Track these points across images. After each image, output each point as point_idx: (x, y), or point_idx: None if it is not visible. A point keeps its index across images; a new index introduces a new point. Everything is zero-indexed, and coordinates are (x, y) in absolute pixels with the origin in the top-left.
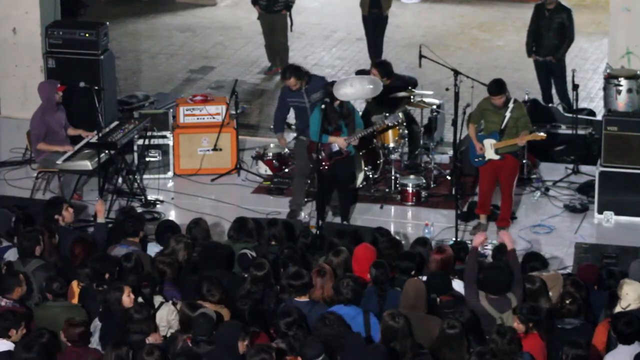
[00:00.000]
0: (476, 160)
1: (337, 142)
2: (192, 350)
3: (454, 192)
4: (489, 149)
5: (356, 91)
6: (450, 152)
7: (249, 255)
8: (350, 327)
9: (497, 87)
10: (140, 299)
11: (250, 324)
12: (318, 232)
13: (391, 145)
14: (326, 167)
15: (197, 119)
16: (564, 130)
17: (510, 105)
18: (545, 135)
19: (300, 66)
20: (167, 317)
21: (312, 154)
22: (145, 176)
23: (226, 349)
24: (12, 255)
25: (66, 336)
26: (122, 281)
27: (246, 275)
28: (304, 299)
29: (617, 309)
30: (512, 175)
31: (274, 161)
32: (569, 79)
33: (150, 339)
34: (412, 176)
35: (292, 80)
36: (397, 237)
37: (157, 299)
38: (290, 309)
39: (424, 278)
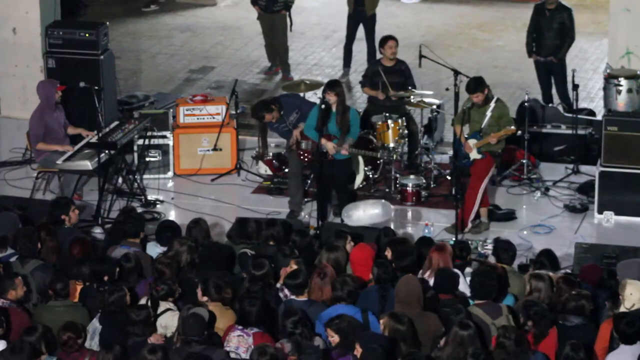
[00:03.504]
0: (463, 161)
1: (327, 147)
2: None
3: (454, 192)
4: (472, 149)
5: (368, 216)
6: (450, 152)
7: (249, 254)
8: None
9: (474, 84)
10: (144, 300)
11: (257, 326)
12: (318, 232)
13: (391, 145)
14: (306, 161)
15: (197, 119)
16: (564, 130)
17: (492, 104)
18: (514, 128)
19: (264, 99)
20: (166, 321)
21: (302, 140)
22: (145, 176)
23: None
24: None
25: (62, 344)
26: (123, 282)
27: (245, 276)
28: (302, 298)
29: (622, 309)
30: (481, 174)
31: (274, 161)
32: (569, 79)
33: (152, 339)
34: (412, 176)
35: (268, 117)
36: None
37: (165, 305)
38: (294, 307)
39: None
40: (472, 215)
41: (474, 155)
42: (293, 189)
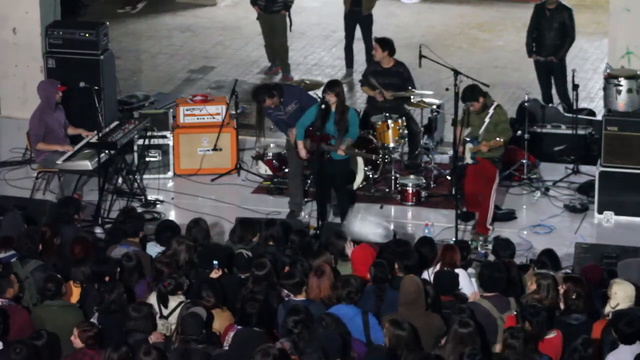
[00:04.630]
0: (459, 164)
1: (299, 151)
2: (207, 351)
3: (453, 192)
4: (468, 153)
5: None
6: (450, 152)
7: (245, 255)
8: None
9: (468, 93)
10: (152, 298)
11: (257, 326)
12: (318, 232)
13: (391, 145)
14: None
15: (197, 119)
16: (564, 130)
17: (491, 111)
18: (503, 141)
19: (266, 84)
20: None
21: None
22: (145, 176)
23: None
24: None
25: (82, 341)
26: (123, 281)
27: (243, 276)
28: (300, 297)
29: (607, 309)
30: (490, 182)
31: (274, 161)
32: (569, 78)
33: (152, 338)
34: (412, 176)
35: (269, 101)
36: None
37: (177, 299)
38: (299, 307)
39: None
40: (490, 220)
41: (468, 160)
42: (293, 189)
